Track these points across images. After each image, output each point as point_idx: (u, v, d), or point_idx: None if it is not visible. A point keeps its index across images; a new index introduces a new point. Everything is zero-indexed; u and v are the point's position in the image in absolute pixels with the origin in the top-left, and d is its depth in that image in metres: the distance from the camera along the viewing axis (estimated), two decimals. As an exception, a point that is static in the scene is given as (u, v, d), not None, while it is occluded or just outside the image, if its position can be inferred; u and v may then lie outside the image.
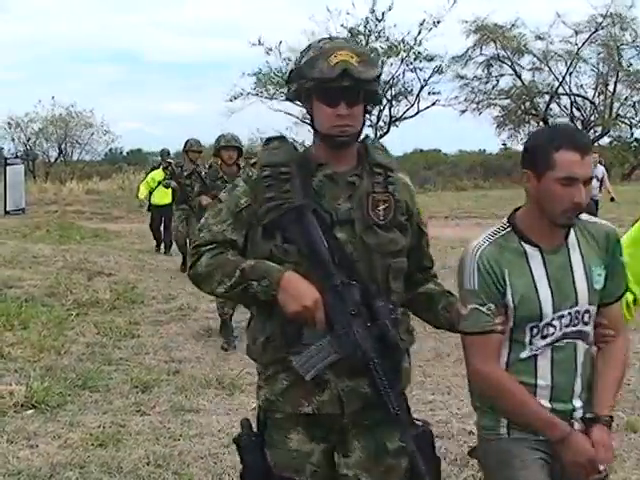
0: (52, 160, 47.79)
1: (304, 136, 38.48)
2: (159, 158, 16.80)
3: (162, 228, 15.61)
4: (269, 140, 2.78)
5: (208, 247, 2.63)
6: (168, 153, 16.20)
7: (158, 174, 15.29)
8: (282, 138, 2.80)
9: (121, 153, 53.66)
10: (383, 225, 2.64)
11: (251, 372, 6.63)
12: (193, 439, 5.10)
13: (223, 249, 2.62)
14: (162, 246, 15.59)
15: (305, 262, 2.54)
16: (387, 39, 39.68)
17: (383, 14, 39.02)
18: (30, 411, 5.54)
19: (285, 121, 57.41)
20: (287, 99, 2.83)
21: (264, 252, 2.59)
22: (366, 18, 39.09)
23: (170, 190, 14.58)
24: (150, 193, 15.62)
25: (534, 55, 42.76)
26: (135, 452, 4.82)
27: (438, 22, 38.94)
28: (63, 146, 47.31)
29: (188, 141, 12.65)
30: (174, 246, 14.01)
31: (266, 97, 41.60)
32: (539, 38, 42.11)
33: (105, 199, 26.96)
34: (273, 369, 2.66)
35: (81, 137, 47.36)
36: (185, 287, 11.01)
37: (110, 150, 51.16)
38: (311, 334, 2.51)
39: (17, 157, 29.63)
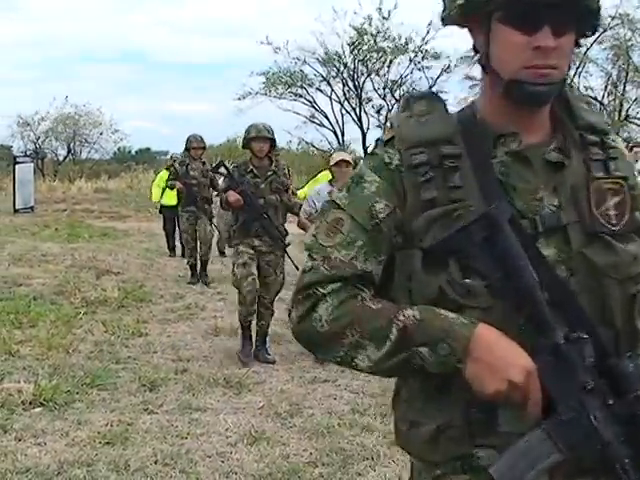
0: (61, 159, 47.94)
1: (313, 136, 38.59)
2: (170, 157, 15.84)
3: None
4: (411, 99, 1.71)
5: (329, 288, 1.60)
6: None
7: (166, 174, 14.08)
8: (431, 96, 1.74)
9: (130, 152, 53.69)
10: (617, 232, 1.61)
11: (258, 371, 6.68)
12: (200, 438, 5.10)
13: (356, 290, 1.60)
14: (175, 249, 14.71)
15: (501, 307, 1.54)
16: (394, 39, 39.78)
17: (389, 12, 39.13)
18: (38, 409, 5.55)
19: (295, 121, 57.29)
20: (445, 23, 1.69)
21: (428, 291, 1.57)
22: (369, 16, 39.20)
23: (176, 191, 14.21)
24: (161, 193, 14.87)
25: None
26: (143, 450, 4.83)
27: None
28: (72, 145, 47.46)
29: (189, 138, 11.60)
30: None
31: (275, 96, 41.70)
32: (548, 38, 42.08)
33: (114, 198, 26.99)
34: (446, 469, 1.64)
35: (90, 136, 47.51)
36: (193, 286, 11.05)
37: (119, 149, 51.26)
38: (513, 419, 1.54)
39: (26, 155, 29.64)
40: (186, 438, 5.09)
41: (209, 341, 7.82)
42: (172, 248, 14.73)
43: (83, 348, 7.31)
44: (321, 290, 1.60)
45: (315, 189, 7.45)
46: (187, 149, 11.53)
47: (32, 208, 23.16)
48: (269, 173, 7.13)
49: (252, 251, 7.01)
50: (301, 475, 4.50)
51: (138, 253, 14.52)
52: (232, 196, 6.95)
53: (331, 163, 7.22)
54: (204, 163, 11.35)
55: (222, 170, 7.54)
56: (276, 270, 7.17)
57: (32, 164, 26.24)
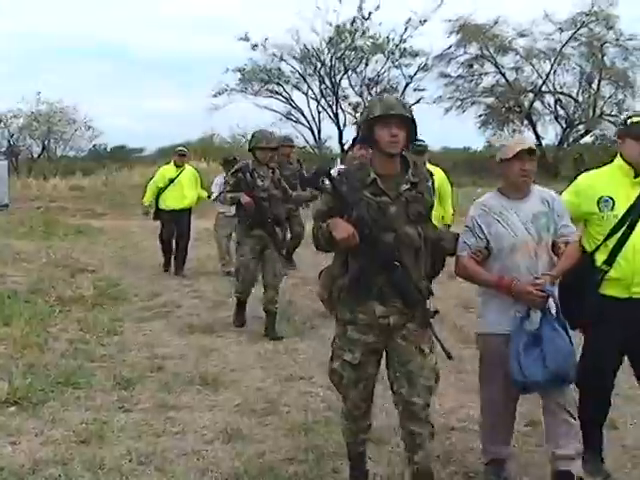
0: (35, 156, 47.66)
1: (288, 132, 38.66)
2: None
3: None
4: None
5: None
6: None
7: (169, 170, 12.35)
8: None
9: (105, 149, 53.42)
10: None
11: (234, 369, 6.66)
12: (176, 436, 5.09)
13: None
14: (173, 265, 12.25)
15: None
16: (372, 37, 39.96)
17: (370, 13, 39.32)
18: (12, 408, 5.51)
19: (270, 117, 57.33)
20: None
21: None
22: (354, 18, 39.40)
23: (190, 194, 12.11)
24: (158, 195, 12.30)
25: (517, 53, 43.00)
26: (118, 449, 4.81)
27: (424, 21, 39.27)
28: (46, 142, 47.19)
29: (255, 135, 8.35)
30: (190, 264, 12.37)
31: (251, 93, 41.77)
32: (522, 35, 42.37)
33: (89, 195, 26.83)
34: None
35: (65, 133, 47.29)
36: (169, 284, 11.02)
37: (94, 146, 51.04)
38: None
39: (0, 153, 29.44)
40: (161, 436, 5.08)
41: (185, 339, 7.80)
42: (169, 262, 12.28)
43: (58, 346, 7.28)
44: None
45: (482, 202, 4.38)
46: (251, 150, 8.27)
47: (6, 206, 23.00)
48: (404, 187, 3.94)
49: (372, 338, 3.99)
50: (277, 472, 4.50)
51: (113, 251, 14.50)
52: (342, 229, 3.77)
53: (508, 155, 4.22)
54: (273, 170, 8.27)
55: (326, 183, 4.01)
56: (422, 347, 3.97)
57: (6, 162, 26.04)
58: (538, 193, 4.28)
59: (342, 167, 7.76)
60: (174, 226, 12.11)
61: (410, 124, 3.95)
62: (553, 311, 4.11)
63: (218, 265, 12.25)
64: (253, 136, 8.31)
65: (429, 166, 9.20)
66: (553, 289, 4.12)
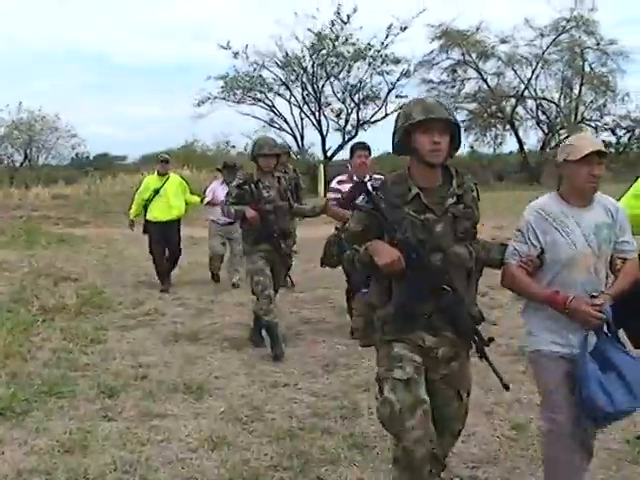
0: (17, 165, 47.44)
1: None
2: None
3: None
4: None
5: None
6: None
7: (153, 180, 11.69)
8: None
9: (87, 157, 53.23)
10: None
11: (218, 376, 6.65)
12: (160, 444, 5.07)
13: None
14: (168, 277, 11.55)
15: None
16: (354, 44, 40.00)
17: (348, 17, 39.35)
18: (-5, 418, 5.49)
19: (254, 125, 57.40)
20: None
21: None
22: (332, 21, 39.40)
23: (176, 203, 11.44)
24: (145, 206, 11.60)
25: (499, 59, 43.28)
26: (102, 458, 4.78)
27: (405, 28, 39.37)
28: (28, 151, 46.99)
29: (257, 142, 7.75)
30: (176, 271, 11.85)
31: (233, 101, 41.79)
32: (504, 42, 42.63)
33: (71, 204, 26.71)
34: None
35: (47, 141, 47.11)
36: (153, 292, 10.98)
37: (77, 154, 50.84)
38: None
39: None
40: (146, 445, 5.05)
41: (169, 347, 7.77)
42: (164, 273, 11.46)
43: (41, 356, 7.24)
44: None
45: (538, 205, 3.80)
46: (254, 158, 7.67)
47: (-12, 215, 22.89)
48: (450, 202, 3.59)
49: (418, 358, 3.57)
50: (262, 479, 4.49)
51: (97, 259, 14.44)
52: (386, 254, 3.44)
53: (576, 156, 3.63)
54: (279, 180, 7.74)
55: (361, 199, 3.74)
56: (461, 392, 3.76)
57: (-13, 171, 25.93)
58: (601, 201, 3.77)
59: (342, 178, 7.77)
60: (163, 240, 11.41)
61: (454, 129, 3.56)
62: (608, 333, 3.65)
63: (206, 272, 12.22)
64: (255, 143, 7.74)
65: None
66: (609, 310, 3.60)
